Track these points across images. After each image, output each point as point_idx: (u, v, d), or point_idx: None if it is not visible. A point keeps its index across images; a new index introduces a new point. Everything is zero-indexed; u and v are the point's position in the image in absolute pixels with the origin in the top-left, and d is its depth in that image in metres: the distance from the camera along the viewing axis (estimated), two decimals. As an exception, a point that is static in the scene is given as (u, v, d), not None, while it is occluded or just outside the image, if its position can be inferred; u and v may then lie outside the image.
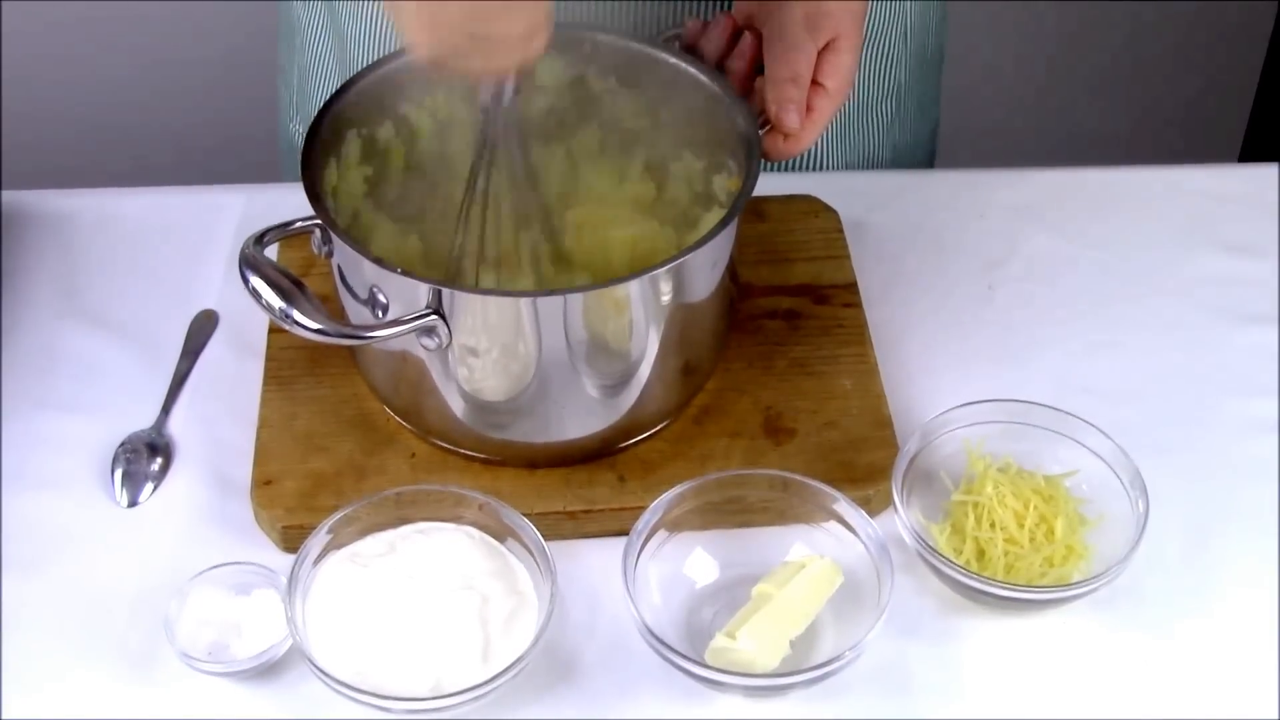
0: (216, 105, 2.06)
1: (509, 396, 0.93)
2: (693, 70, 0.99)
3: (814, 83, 0.95)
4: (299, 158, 1.24)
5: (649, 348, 0.93)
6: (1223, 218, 1.17)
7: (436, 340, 0.88)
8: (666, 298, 0.91)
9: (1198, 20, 2.21)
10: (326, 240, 0.91)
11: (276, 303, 0.87)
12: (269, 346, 1.03)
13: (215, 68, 2.06)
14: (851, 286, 1.08)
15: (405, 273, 0.88)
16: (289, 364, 1.02)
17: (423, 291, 0.88)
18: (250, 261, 0.88)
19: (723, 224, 0.90)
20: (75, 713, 0.87)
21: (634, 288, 0.89)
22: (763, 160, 0.95)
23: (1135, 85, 2.27)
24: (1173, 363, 1.06)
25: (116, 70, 2.10)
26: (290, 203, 1.13)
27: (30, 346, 1.05)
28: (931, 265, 1.12)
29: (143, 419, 1.01)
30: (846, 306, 1.06)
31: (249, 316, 1.06)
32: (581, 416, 0.94)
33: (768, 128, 0.95)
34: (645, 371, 0.93)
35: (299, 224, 0.92)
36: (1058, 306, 1.10)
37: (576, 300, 0.89)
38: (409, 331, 0.88)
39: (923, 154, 1.29)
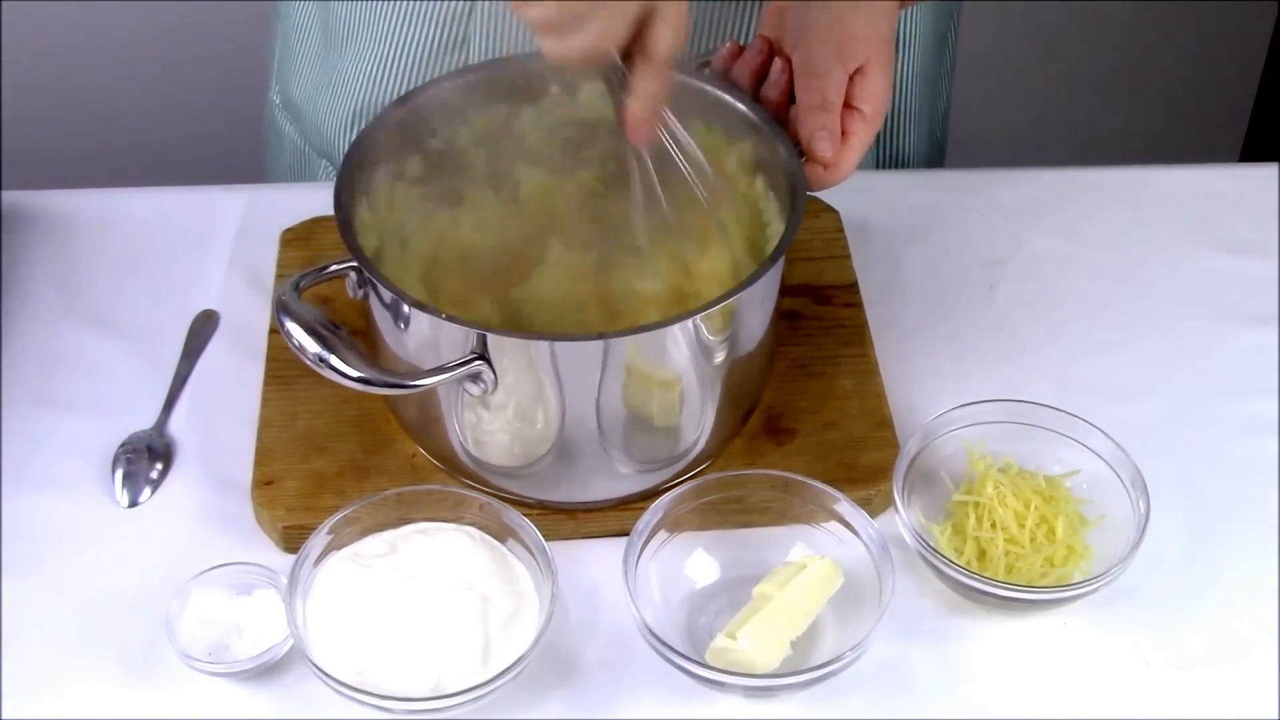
0: (218, 104, 2.06)
1: (535, 456, 0.91)
2: (729, 98, 0.97)
3: (850, 107, 0.93)
4: (279, 129, 1.22)
5: (703, 413, 0.92)
6: (1223, 218, 1.17)
7: (482, 386, 0.86)
8: (719, 347, 0.90)
9: (1198, 20, 2.21)
10: (363, 284, 0.89)
11: (314, 349, 0.85)
12: (269, 347, 1.03)
13: (216, 68, 2.06)
14: (852, 286, 1.08)
15: (449, 318, 0.86)
16: (289, 364, 1.01)
17: (468, 336, 0.86)
18: (286, 308, 0.86)
19: (773, 258, 0.89)
20: (75, 713, 0.87)
21: (679, 333, 0.87)
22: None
23: (1135, 85, 2.27)
24: (1173, 363, 1.06)
25: (116, 70, 2.10)
26: (291, 203, 1.13)
27: (30, 346, 1.05)
28: (932, 265, 1.12)
29: (143, 419, 1.01)
30: (847, 306, 1.06)
31: (249, 317, 1.06)
32: (610, 481, 0.93)
33: (804, 158, 0.94)
34: (701, 439, 0.93)
35: (333, 267, 0.90)
36: (1058, 306, 1.10)
37: (621, 346, 0.86)
38: (454, 379, 0.86)
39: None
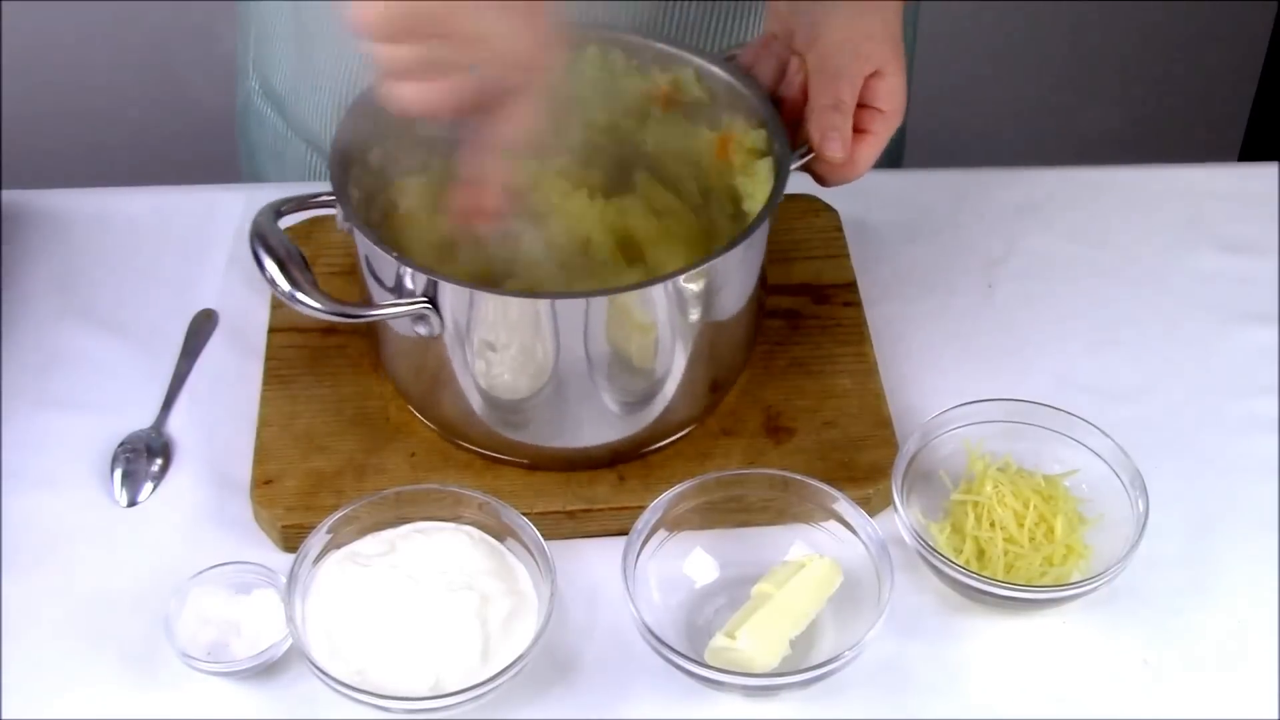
0: (219, 104, 2.06)
1: (519, 397, 0.93)
2: (745, 90, 0.98)
3: (870, 107, 0.94)
4: (260, 114, 1.22)
5: (673, 364, 0.92)
6: (1223, 217, 1.17)
7: (428, 327, 0.89)
8: (688, 310, 0.90)
9: (1198, 20, 2.21)
10: (348, 218, 0.91)
11: (280, 279, 0.88)
12: (269, 346, 1.03)
13: (217, 67, 2.06)
14: (851, 286, 1.08)
15: (399, 258, 0.88)
16: (289, 363, 1.02)
17: (418, 279, 0.88)
18: (259, 231, 0.89)
19: (746, 234, 0.90)
20: (75, 713, 0.87)
21: (639, 297, 0.89)
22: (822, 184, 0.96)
23: (1135, 85, 2.27)
24: (1173, 362, 1.06)
25: (116, 70, 2.10)
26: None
27: (30, 346, 1.05)
28: (931, 264, 1.12)
29: (142, 418, 1.01)
30: (846, 306, 1.06)
31: (249, 316, 1.06)
32: (597, 426, 0.94)
33: (814, 155, 0.94)
34: (670, 388, 0.93)
35: (322, 197, 0.93)
36: (1058, 306, 1.10)
37: (593, 305, 0.88)
38: (399, 315, 0.89)
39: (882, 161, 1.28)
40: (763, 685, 0.86)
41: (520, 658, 0.84)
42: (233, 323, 1.07)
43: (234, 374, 1.03)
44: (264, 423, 0.99)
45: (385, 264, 0.90)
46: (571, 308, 0.88)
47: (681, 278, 0.88)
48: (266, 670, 0.88)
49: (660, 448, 0.97)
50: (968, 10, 2.05)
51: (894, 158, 1.32)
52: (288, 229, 1.09)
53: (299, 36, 1.19)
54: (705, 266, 0.89)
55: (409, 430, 0.98)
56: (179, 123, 2.12)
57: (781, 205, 1.10)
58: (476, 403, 0.93)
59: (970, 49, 2.13)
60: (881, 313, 1.07)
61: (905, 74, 0.95)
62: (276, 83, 1.23)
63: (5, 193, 1.15)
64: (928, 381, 1.04)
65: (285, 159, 1.25)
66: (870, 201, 1.15)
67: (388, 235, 0.96)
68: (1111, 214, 1.17)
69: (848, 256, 1.10)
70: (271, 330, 1.04)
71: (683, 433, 0.98)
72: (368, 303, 0.94)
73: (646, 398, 0.94)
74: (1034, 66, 2.23)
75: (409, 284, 0.89)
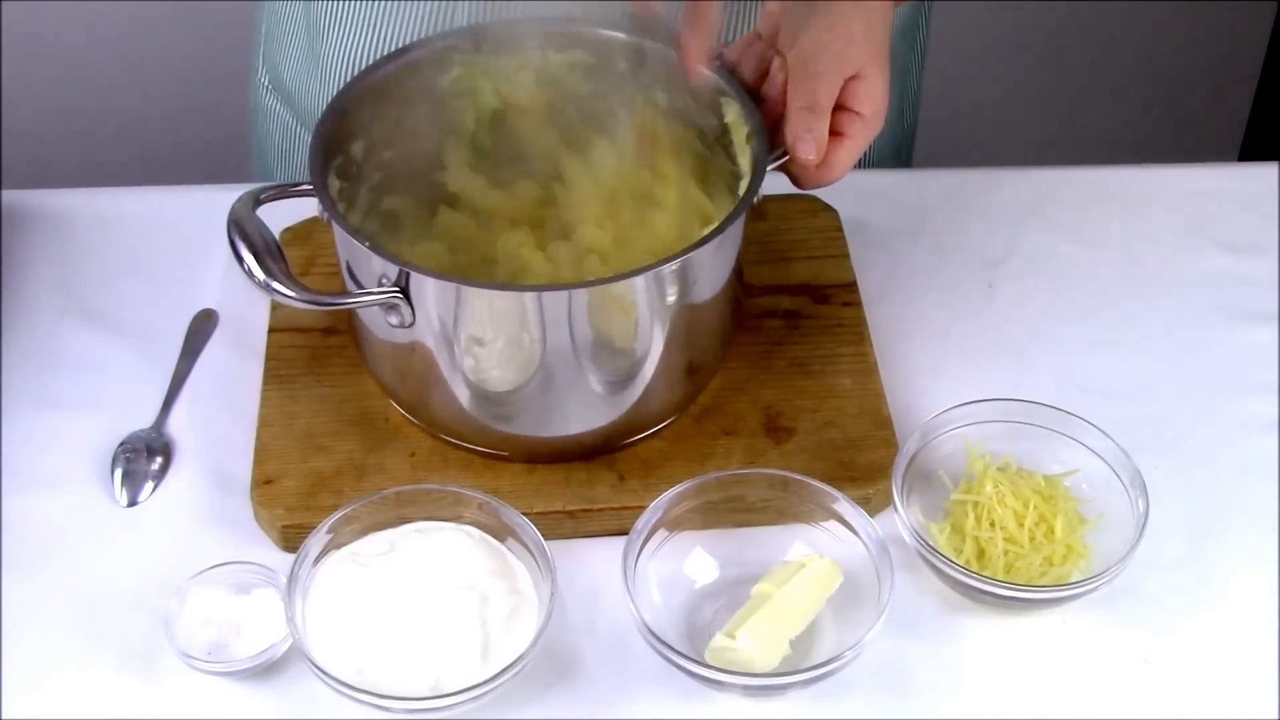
0: (220, 104, 2.06)
1: (506, 389, 0.93)
2: (725, 87, 0.98)
3: (849, 110, 0.93)
4: (268, 108, 1.22)
5: (652, 348, 0.92)
6: (1223, 218, 1.17)
7: (399, 318, 0.89)
8: (667, 298, 0.91)
9: (1198, 20, 2.21)
10: (326, 207, 0.92)
11: (256, 268, 0.89)
12: (269, 346, 1.03)
13: (218, 67, 2.06)
14: (851, 286, 1.08)
15: (372, 248, 0.89)
16: (289, 363, 1.02)
17: (391, 270, 0.89)
18: (237, 219, 0.90)
19: (722, 227, 0.90)
20: (75, 712, 0.87)
21: (619, 289, 0.89)
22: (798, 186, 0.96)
23: (1135, 85, 2.27)
24: (1173, 362, 1.06)
25: (116, 70, 2.10)
26: (290, 202, 1.12)
27: (30, 346, 1.05)
28: (931, 264, 1.12)
29: (143, 418, 1.01)
30: (846, 306, 1.06)
31: (248, 316, 1.06)
32: (582, 412, 0.94)
33: (788, 157, 0.94)
34: (648, 370, 0.93)
35: (302, 186, 0.93)
36: (1058, 305, 1.10)
37: (571, 297, 0.88)
38: (371, 304, 0.89)
39: (890, 161, 1.28)
40: (763, 685, 0.86)
41: (520, 658, 0.84)
42: (233, 323, 1.07)
43: (234, 374, 1.03)
44: (264, 423, 0.99)
45: (358, 253, 0.90)
46: (555, 300, 0.88)
47: (657, 269, 0.88)
48: (266, 670, 0.88)
49: (649, 436, 0.97)
50: (968, 11, 2.06)
51: (903, 157, 1.32)
52: (288, 229, 1.10)
53: (310, 30, 1.19)
54: (681, 260, 0.89)
55: (409, 430, 0.98)
56: (184, 123, 2.12)
57: (781, 205, 1.12)
58: (464, 396, 0.93)
59: (970, 50, 2.14)
60: (881, 313, 1.07)
61: (887, 78, 0.94)
62: (286, 78, 1.23)
63: (5, 193, 1.15)
64: (928, 381, 1.04)
65: (295, 155, 1.26)
66: (870, 201, 1.16)
67: (380, 233, 0.97)
68: (1111, 214, 1.17)
69: (848, 256, 1.10)
70: (271, 330, 1.04)
71: (669, 420, 0.98)
72: (343, 293, 0.94)
73: (628, 377, 0.93)
74: (1035, 67, 2.24)
75: (380, 273, 0.89)
